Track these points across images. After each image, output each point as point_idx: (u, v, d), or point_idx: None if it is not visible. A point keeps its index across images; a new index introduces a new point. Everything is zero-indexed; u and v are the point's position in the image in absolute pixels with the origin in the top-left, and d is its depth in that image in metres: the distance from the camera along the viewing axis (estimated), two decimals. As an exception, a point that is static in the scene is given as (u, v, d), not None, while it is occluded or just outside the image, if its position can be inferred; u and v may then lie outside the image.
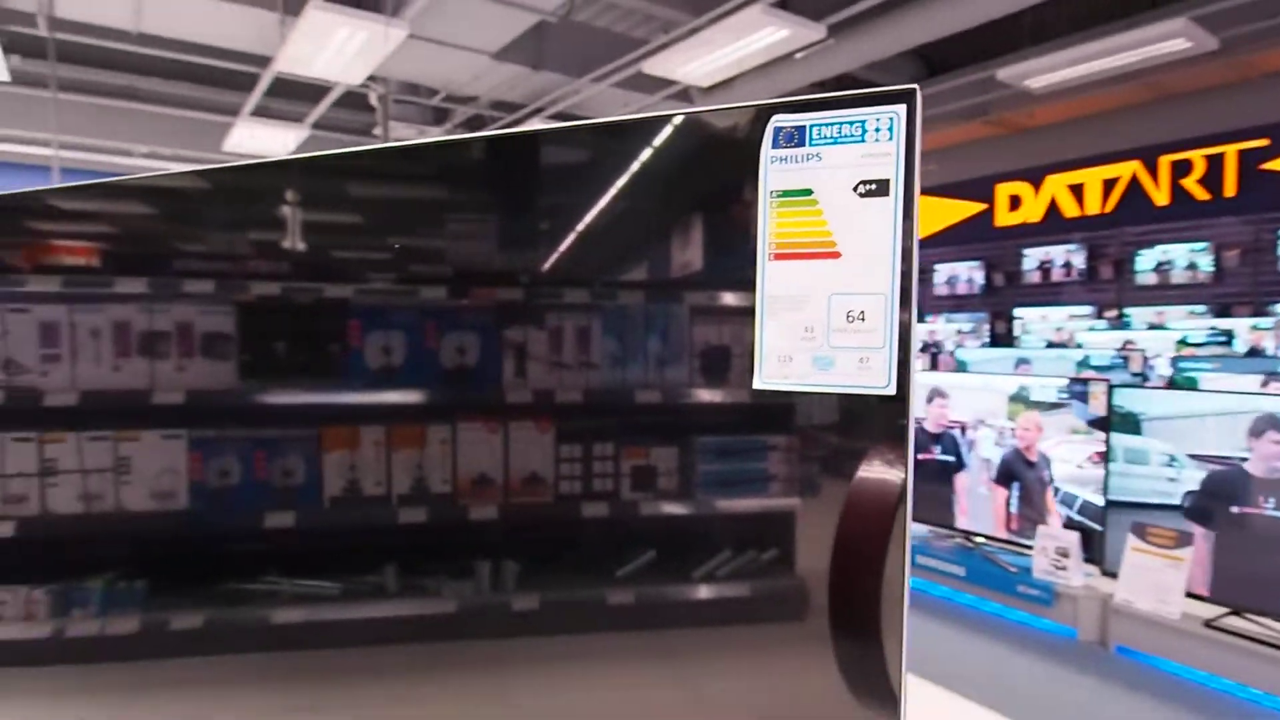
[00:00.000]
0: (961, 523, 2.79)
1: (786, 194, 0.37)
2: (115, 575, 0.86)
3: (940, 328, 9.27)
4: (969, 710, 1.23)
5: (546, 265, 0.65)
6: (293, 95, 8.68)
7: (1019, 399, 2.62)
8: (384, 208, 0.79)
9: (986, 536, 2.75)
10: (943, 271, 10.20)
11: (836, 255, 0.35)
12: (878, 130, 0.35)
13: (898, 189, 0.35)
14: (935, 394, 2.84)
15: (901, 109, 0.35)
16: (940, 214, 10.24)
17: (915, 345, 0.36)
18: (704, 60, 5.85)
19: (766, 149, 0.38)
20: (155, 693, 0.84)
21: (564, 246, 0.62)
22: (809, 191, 0.36)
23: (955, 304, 10.10)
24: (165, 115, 8.93)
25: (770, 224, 0.38)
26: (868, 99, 0.35)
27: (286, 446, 0.78)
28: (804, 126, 0.37)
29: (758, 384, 0.42)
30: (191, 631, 0.82)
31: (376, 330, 0.75)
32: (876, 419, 0.37)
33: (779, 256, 0.38)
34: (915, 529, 3.00)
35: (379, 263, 0.77)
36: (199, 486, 0.81)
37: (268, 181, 0.82)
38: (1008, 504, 2.66)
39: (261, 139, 8.73)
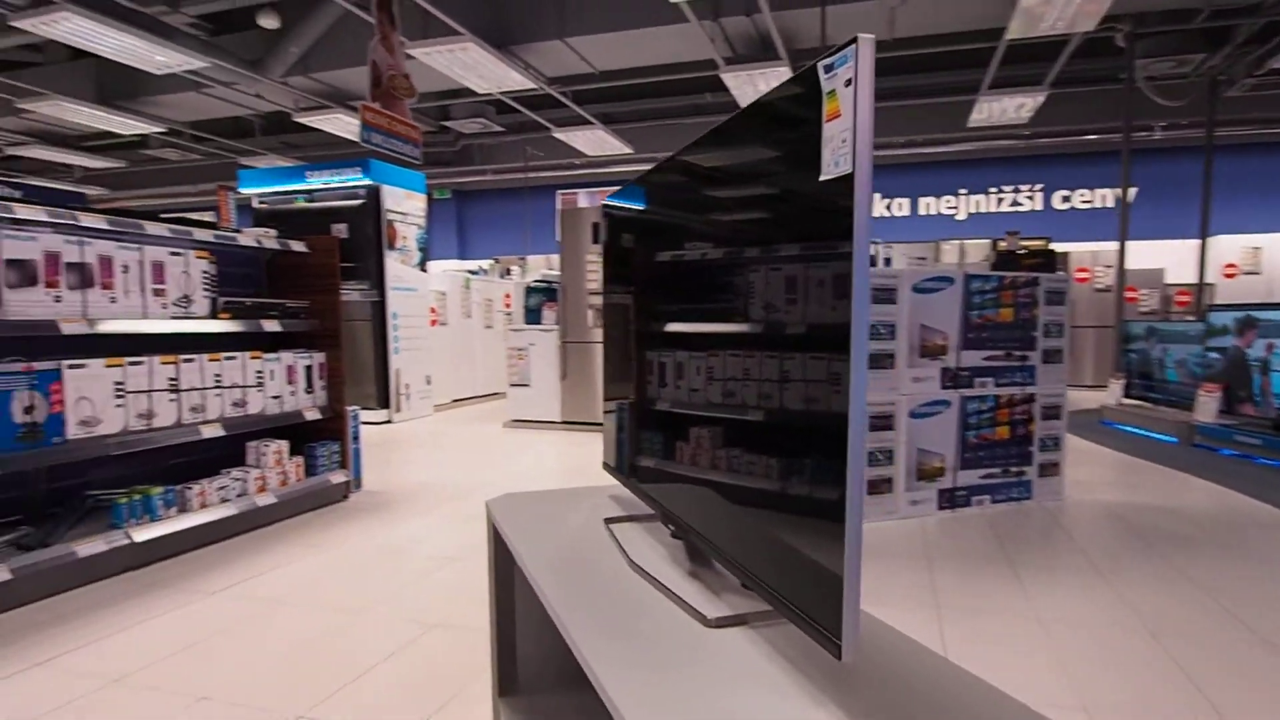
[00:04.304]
0: None
1: (829, 92, 0.87)
2: (702, 435, 1.30)
3: None
4: None
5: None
6: (1030, 59, 8.58)
7: None
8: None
9: None
10: None
11: (840, 115, 0.85)
12: (851, 59, 0.83)
13: (856, 82, 0.82)
14: None
15: (854, 48, 0.82)
16: None
17: (862, 151, 0.82)
18: None
19: (821, 76, 0.88)
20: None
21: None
22: (834, 91, 0.86)
23: None
24: (912, 106, 10.01)
25: (825, 105, 0.88)
26: (843, 46, 0.83)
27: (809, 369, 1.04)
28: (832, 62, 0.86)
29: (821, 179, 0.89)
30: (730, 482, 1.19)
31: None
32: (848, 183, 0.82)
33: (828, 119, 0.87)
34: None
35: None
36: (749, 389, 1.15)
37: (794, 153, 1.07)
38: None
39: (1001, 108, 8.87)
